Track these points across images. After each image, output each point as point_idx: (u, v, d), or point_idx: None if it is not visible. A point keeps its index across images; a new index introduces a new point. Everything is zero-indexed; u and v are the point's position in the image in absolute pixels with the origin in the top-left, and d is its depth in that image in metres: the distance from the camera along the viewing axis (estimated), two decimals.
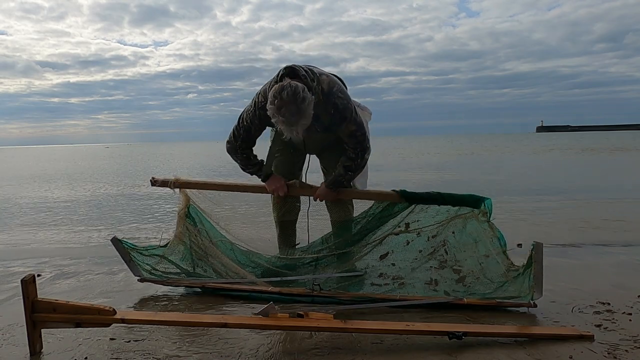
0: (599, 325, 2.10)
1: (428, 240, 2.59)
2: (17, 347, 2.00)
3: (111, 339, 2.04)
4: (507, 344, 1.93)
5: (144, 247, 2.86)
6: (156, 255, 2.83)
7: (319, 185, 2.72)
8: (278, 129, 2.38)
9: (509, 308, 2.36)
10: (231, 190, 2.84)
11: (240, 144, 2.63)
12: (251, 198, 3.06)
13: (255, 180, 2.79)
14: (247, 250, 2.92)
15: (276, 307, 1.98)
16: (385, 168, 13.24)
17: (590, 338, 1.95)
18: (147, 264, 2.81)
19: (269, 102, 2.24)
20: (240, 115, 2.61)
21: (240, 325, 2.00)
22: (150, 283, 2.76)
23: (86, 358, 1.89)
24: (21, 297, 1.88)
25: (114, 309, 1.90)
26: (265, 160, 2.77)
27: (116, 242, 2.77)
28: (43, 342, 1.96)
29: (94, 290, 2.84)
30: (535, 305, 2.29)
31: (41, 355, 1.92)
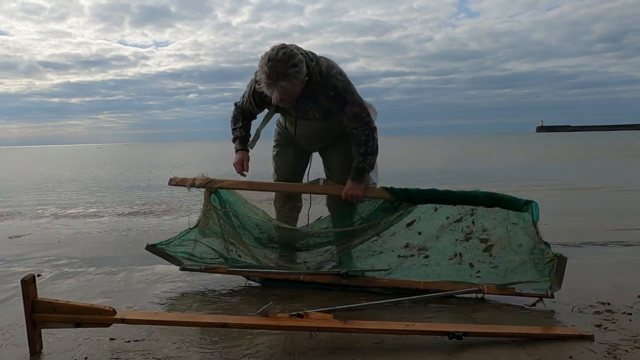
0: (599, 325, 2.10)
1: (456, 206, 2.57)
2: (17, 347, 2.00)
3: (111, 339, 2.04)
4: (507, 344, 1.93)
5: (176, 237, 2.86)
6: (189, 239, 2.85)
7: (331, 184, 2.71)
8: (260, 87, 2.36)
9: (511, 304, 2.36)
10: (258, 190, 2.87)
11: (241, 112, 2.71)
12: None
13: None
14: (275, 225, 2.88)
15: (276, 307, 1.98)
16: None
17: (590, 338, 1.95)
18: (183, 252, 2.83)
19: (265, 52, 2.27)
20: (242, 96, 2.69)
21: (240, 326, 2.00)
22: (189, 271, 2.81)
23: (86, 358, 1.89)
24: (21, 297, 1.88)
25: (114, 309, 1.90)
26: (252, 137, 2.77)
27: (151, 248, 2.80)
28: (43, 342, 1.96)
29: (94, 290, 2.84)
30: (552, 297, 2.31)
31: (41, 355, 1.92)
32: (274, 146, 2.92)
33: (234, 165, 2.76)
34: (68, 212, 6.43)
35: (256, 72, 2.47)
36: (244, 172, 2.75)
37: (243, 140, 2.76)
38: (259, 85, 2.32)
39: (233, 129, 2.78)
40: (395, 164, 14.88)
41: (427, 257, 2.62)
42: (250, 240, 2.88)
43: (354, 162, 2.60)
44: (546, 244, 2.38)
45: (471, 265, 2.55)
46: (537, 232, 2.40)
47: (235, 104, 2.76)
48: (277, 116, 2.87)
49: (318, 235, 2.82)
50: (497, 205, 2.48)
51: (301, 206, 2.95)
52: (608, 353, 1.83)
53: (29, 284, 1.88)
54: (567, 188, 7.49)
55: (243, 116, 2.75)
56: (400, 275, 2.63)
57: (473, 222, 2.55)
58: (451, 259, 2.59)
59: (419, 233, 2.64)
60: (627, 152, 19.81)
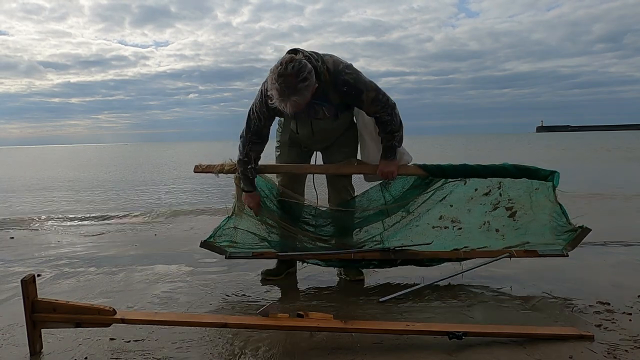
0: (599, 325, 2.10)
1: (485, 179, 2.72)
2: (17, 347, 2.00)
3: (111, 339, 2.04)
4: (507, 344, 1.93)
5: (217, 227, 2.87)
6: (229, 227, 2.86)
7: (374, 164, 2.70)
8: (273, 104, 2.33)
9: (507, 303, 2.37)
10: (292, 171, 2.82)
11: (251, 137, 2.61)
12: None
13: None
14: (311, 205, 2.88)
15: (276, 306, 1.98)
16: None
17: (590, 338, 1.95)
18: (226, 241, 2.85)
19: (273, 66, 2.25)
20: (250, 109, 2.60)
21: (240, 326, 2.00)
22: (235, 259, 2.86)
23: (86, 358, 1.89)
24: (21, 297, 1.88)
25: (114, 309, 1.90)
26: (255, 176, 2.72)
27: (204, 244, 2.81)
28: (43, 342, 1.96)
29: (94, 290, 2.84)
30: (567, 255, 2.58)
31: (41, 355, 1.92)
32: (277, 147, 2.91)
33: (249, 207, 2.75)
34: (68, 212, 6.44)
35: (260, 89, 2.49)
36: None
37: (253, 182, 2.71)
38: (271, 101, 2.30)
39: (244, 168, 2.66)
40: None
41: (460, 228, 2.80)
42: (290, 218, 2.88)
43: (382, 142, 2.63)
44: (565, 214, 2.61)
45: (497, 230, 2.75)
46: (556, 197, 2.61)
47: (246, 131, 2.60)
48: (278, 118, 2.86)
49: (354, 213, 2.86)
50: (524, 176, 2.65)
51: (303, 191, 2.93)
52: (608, 353, 1.83)
53: (29, 284, 1.88)
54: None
55: (256, 143, 2.62)
56: (441, 247, 2.78)
57: (500, 194, 2.73)
58: (480, 227, 2.78)
59: (451, 205, 2.79)
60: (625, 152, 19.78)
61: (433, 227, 2.82)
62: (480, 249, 2.73)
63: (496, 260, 2.65)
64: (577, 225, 2.58)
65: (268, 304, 1.97)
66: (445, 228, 2.81)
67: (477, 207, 2.76)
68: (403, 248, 2.76)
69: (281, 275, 2.97)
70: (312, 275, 3.04)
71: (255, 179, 2.73)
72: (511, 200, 2.72)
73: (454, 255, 2.73)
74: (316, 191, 2.87)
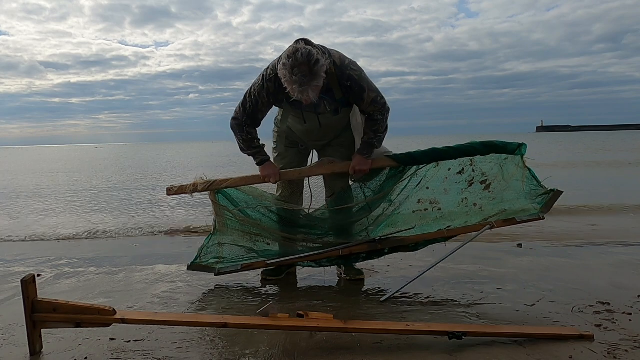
0: (599, 325, 2.10)
1: (455, 159, 2.77)
2: (17, 347, 2.00)
3: (111, 339, 2.04)
4: (507, 344, 1.93)
5: (202, 247, 2.90)
6: (214, 244, 2.89)
7: (346, 162, 2.72)
8: (285, 98, 2.36)
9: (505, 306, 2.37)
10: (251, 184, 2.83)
11: (246, 120, 2.62)
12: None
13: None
14: (292, 209, 2.89)
15: (276, 306, 1.98)
16: None
17: (590, 338, 1.95)
18: (213, 257, 2.88)
19: (282, 63, 2.25)
20: (247, 91, 2.59)
21: (240, 326, 2.00)
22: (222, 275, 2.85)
23: (86, 358, 1.89)
24: (21, 297, 1.88)
25: (114, 309, 1.90)
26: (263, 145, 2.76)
27: (192, 267, 2.88)
28: (43, 342, 1.96)
29: (94, 290, 2.84)
30: (543, 219, 2.65)
31: (41, 355, 1.92)
32: (274, 148, 2.91)
33: (266, 178, 2.72)
34: (68, 212, 6.44)
35: (262, 74, 2.50)
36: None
37: (263, 150, 2.74)
38: (291, 97, 2.31)
39: (248, 146, 2.70)
40: None
41: (440, 209, 2.85)
42: (273, 224, 2.90)
43: (363, 138, 2.67)
44: (535, 177, 2.68)
45: (475, 204, 2.80)
46: (524, 163, 2.68)
47: (241, 113, 2.62)
48: (273, 116, 2.86)
49: (338, 213, 2.86)
50: (493, 152, 2.71)
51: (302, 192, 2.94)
52: (608, 353, 1.83)
53: (29, 284, 1.88)
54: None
55: (252, 126, 2.66)
56: (424, 230, 2.80)
57: (473, 170, 2.78)
58: (459, 205, 2.83)
59: (427, 188, 2.83)
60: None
61: (414, 212, 2.87)
62: (462, 226, 2.77)
63: (480, 233, 2.69)
64: (550, 188, 2.65)
65: (268, 304, 1.97)
66: (425, 210, 2.86)
67: (453, 186, 2.82)
68: (389, 236, 2.78)
69: (281, 275, 2.97)
70: (312, 275, 3.05)
71: (229, 191, 2.78)
72: (484, 174, 2.77)
73: (438, 235, 2.75)
74: (310, 191, 2.91)
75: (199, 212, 5.96)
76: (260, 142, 2.74)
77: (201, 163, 20.54)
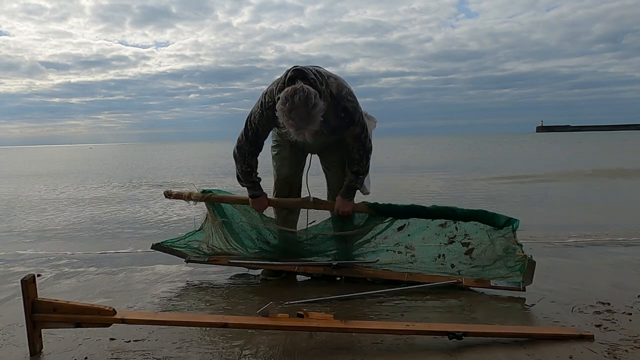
0: (599, 325, 2.10)
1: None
2: (17, 347, 2.00)
3: (111, 339, 2.04)
4: (507, 344, 1.93)
5: (182, 237, 3.07)
6: (196, 240, 3.03)
7: (330, 201, 2.84)
8: (284, 131, 2.37)
9: (505, 303, 2.36)
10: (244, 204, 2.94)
11: (249, 148, 2.63)
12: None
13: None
14: (275, 229, 2.98)
15: (276, 307, 1.98)
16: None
17: (590, 338, 1.95)
18: (191, 248, 3.02)
19: (279, 103, 2.23)
20: (247, 118, 2.60)
21: (240, 326, 2.00)
22: (195, 263, 3.00)
23: (86, 358, 1.89)
24: (21, 297, 1.88)
25: (114, 309, 1.90)
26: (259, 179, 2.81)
27: (157, 246, 3.00)
28: (43, 342, 1.96)
29: (94, 290, 2.84)
30: (524, 290, 2.50)
31: (41, 355, 1.92)
32: (273, 146, 2.92)
33: (255, 210, 2.88)
34: (68, 212, 6.44)
35: (260, 101, 2.50)
36: None
37: (259, 185, 2.80)
38: (289, 136, 2.32)
39: (245, 179, 2.74)
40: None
41: (413, 255, 2.82)
42: (249, 244, 3.03)
43: (345, 181, 2.72)
44: (519, 244, 2.59)
45: (452, 265, 2.74)
46: (515, 237, 2.60)
47: (244, 142, 2.62)
48: None
49: (315, 238, 2.95)
50: (475, 220, 2.66)
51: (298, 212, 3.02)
52: (608, 353, 1.83)
53: (29, 284, 1.88)
54: None
55: (254, 155, 2.68)
56: (387, 268, 2.82)
57: (456, 228, 2.74)
58: (435, 259, 2.78)
59: (408, 235, 2.83)
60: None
61: (387, 251, 2.86)
62: (427, 274, 2.72)
63: (444, 285, 2.62)
64: (525, 255, 2.51)
65: (268, 304, 1.97)
66: (399, 253, 2.84)
67: (433, 237, 2.77)
68: (346, 264, 2.82)
69: (281, 275, 2.97)
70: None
71: (221, 205, 2.95)
72: (468, 236, 2.70)
73: (397, 277, 2.72)
74: (309, 190, 2.94)
75: (199, 212, 5.97)
76: (258, 176, 2.76)
77: (197, 166, 20.44)
